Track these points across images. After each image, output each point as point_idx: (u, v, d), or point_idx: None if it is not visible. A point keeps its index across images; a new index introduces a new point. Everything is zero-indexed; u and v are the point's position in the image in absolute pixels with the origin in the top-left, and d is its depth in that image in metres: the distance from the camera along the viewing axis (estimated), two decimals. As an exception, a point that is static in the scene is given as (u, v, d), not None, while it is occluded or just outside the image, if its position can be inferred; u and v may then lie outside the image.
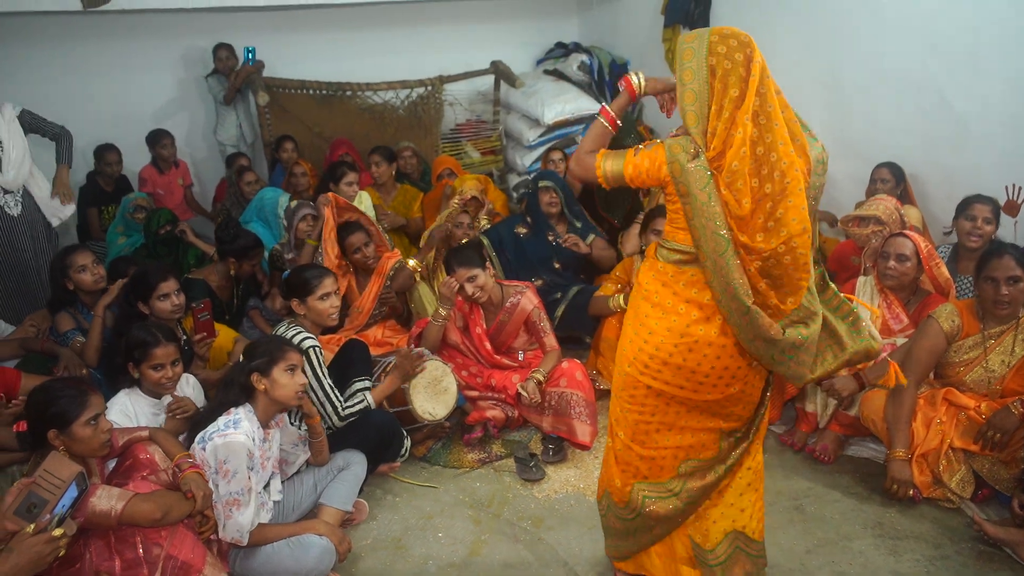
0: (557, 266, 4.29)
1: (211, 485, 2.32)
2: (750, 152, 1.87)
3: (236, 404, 2.45)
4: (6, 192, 4.24)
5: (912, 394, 2.91)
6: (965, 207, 3.50)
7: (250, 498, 2.36)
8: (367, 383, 3.20)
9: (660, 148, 1.98)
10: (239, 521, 2.34)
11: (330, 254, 3.89)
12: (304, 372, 2.63)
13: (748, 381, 2.13)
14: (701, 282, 2.02)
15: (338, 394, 3.04)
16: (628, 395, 2.20)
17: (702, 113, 1.92)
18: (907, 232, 3.27)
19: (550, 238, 4.33)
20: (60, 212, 4.53)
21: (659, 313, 2.08)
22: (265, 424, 2.52)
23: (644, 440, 2.22)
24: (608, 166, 2.08)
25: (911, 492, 2.86)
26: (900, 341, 3.17)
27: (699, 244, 1.94)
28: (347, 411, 3.03)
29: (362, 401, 3.08)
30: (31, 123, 4.45)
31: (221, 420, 2.39)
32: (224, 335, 3.65)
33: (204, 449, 2.34)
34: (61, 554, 1.88)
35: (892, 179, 4.10)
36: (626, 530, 2.37)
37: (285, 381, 2.48)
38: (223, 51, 5.97)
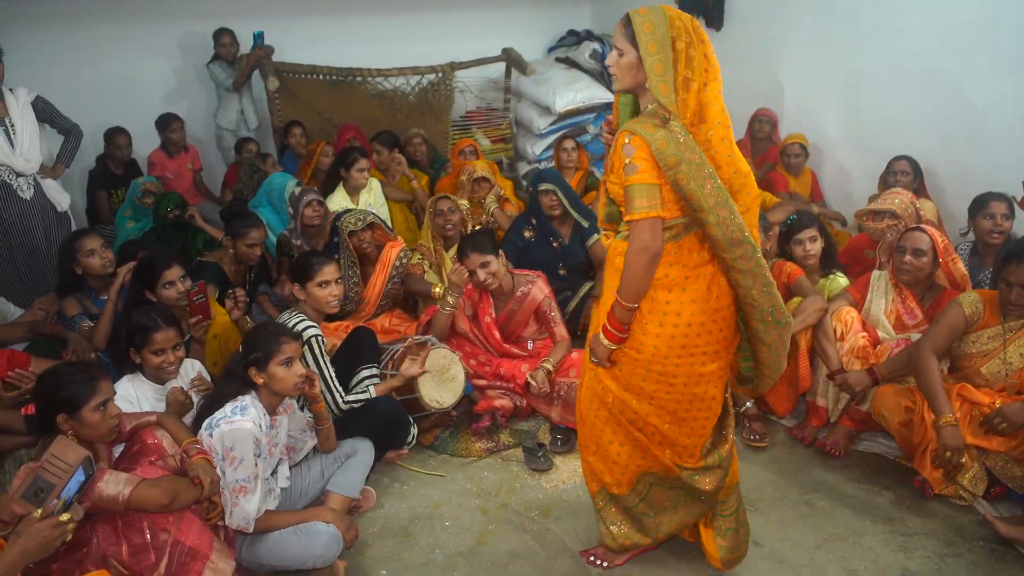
0: (562, 272, 4.22)
1: (218, 472, 2.31)
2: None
3: (239, 395, 2.44)
4: (19, 175, 4.24)
5: (932, 359, 2.83)
6: (982, 205, 3.46)
7: (256, 485, 2.35)
8: (374, 370, 3.19)
9: (637, 140, 1.96)
10: (246, 508, 2.33)
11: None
12: (305, 361, 2.60)
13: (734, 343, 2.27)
14: (697, 242, 2.10)
15: (338, 385, 3.03)
16: (635, 395, 2.25)
17: (672, 84, 1.97)
18: (924, 226, 3.22)
19: (555, 244, 4.25)
20: (62, 200, 4.53)
21: (678, 292, 2.12)
22: (272, 411, 2.51)
23: (645, 445, 2.32)
24: (637, 203, 1.99)
25: (963, 459, 2.72)
26: (915, 336, 3.13)
27: (698, 204, 1.98)
28: (348, 403, 3.02)
29: (364, 393, 3.07)
30: (44, 111, 4.44)
31: (228, 407, 2.38)
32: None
33: (211, 436, 2.33)
34: (68, 539, 1.87)
35: (911, 172, 4.05)
36: (644, 512, 2.47)
37: (282, 375, 2.46)
38: (225, 36, 5.89)
